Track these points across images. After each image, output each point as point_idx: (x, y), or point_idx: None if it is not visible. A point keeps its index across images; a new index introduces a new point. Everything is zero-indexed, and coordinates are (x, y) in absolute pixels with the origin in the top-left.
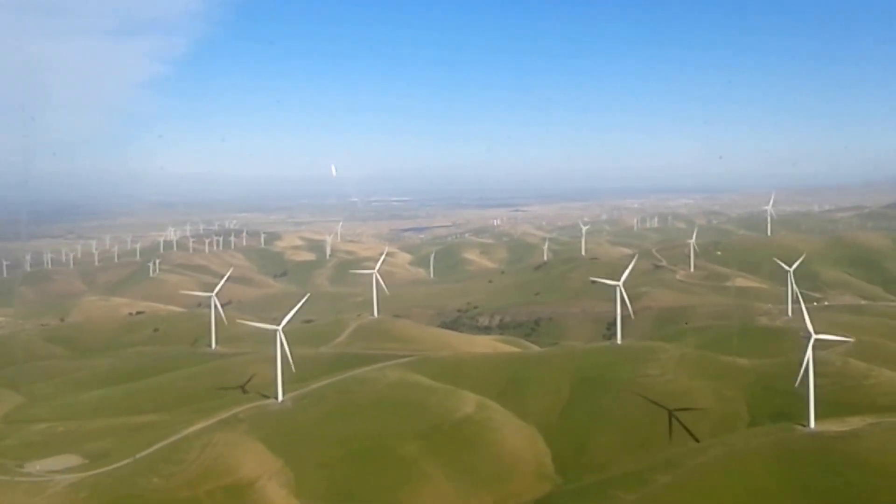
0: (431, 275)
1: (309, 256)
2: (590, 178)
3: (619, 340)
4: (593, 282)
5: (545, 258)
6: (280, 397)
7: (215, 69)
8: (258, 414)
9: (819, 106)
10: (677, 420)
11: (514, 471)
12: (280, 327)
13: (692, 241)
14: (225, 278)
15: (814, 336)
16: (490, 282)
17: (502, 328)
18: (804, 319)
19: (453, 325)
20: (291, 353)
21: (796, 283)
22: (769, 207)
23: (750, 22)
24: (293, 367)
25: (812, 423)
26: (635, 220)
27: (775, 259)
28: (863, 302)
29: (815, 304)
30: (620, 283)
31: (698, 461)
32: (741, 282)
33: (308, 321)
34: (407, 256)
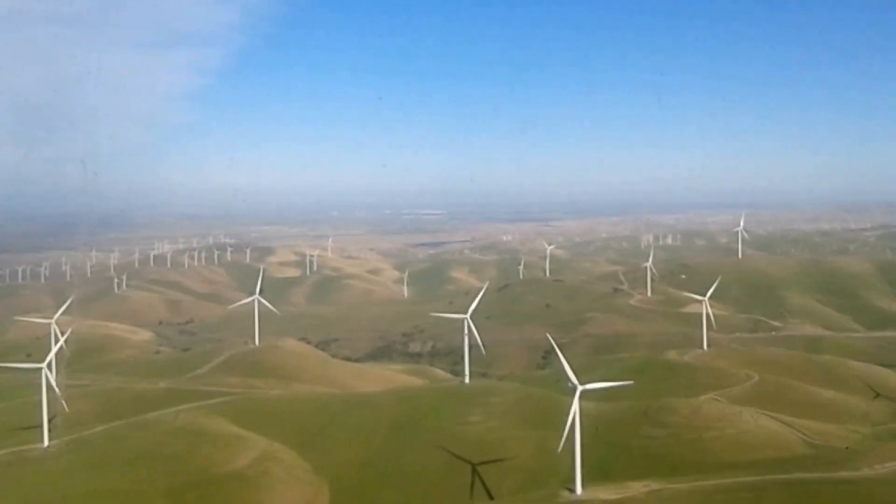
0: (405, 294)
1: (293, 273)
2: (633, 192)
3: (466, 379)
4: (436, 316)
5: (521, 277)
6: (46, 442)
7: (254, 81)
8: (12, 461)
9: (876, 120)
10: (478, 476)
11: None
12: (44, 364)
13: (648, 263)
14: (66, 305)
15: (579, 387)
16: (451, 303)
17: (432, 355)
18: (565, 368)
19: (385, 350)
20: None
21: (760, 308)
22: (740, 229)
23: (800, 29)
24: (66, 407)
25: (579, 490)
26: (645, 238)
27: (684, 277)
28: (826, 332)
29: (736, 334)
30: (468, 315)
31: None
32: (698, 307)
33: (186, 349)
34: (395, 274)
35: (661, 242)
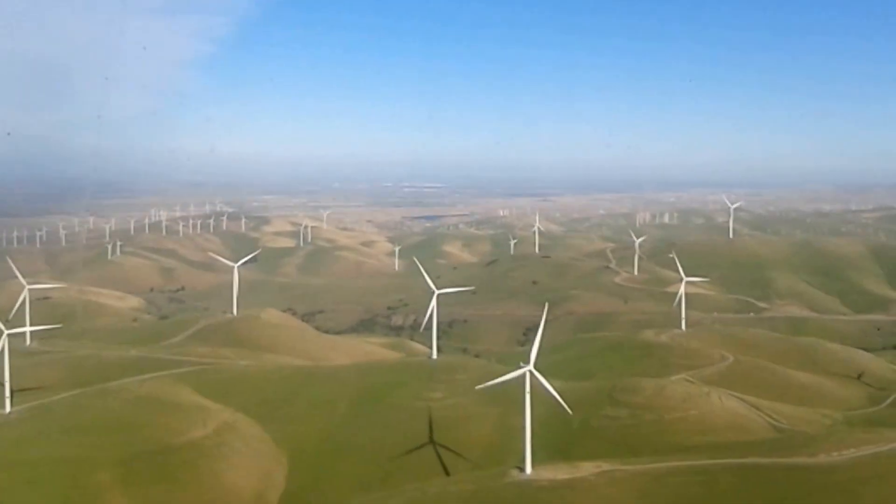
0: (396, 267)
1: (288, 243)
2: (635, 169)
3: (434, 355)
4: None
5: (512, 252)
6: (7, 409)
7: (260, 48)
8: None
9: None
10: (435, 452)
11: None
12: (6, 331)
13: (637, 242)
14: (50, 286)
15: (528, 367)
16: (438, 277)
17: (414, 329)
18: (534, 346)
19: (368, 323)
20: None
21: (747, 289)
22: (732, 208)
23: (806, 12)
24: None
25: (528, 469)
26: (641, 216)
27: (672, 256)
28: (811, 314)
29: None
30: (437, 292)
31: None
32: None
33: (164, 317)
34: (389, 247)
35: (657, 221)
